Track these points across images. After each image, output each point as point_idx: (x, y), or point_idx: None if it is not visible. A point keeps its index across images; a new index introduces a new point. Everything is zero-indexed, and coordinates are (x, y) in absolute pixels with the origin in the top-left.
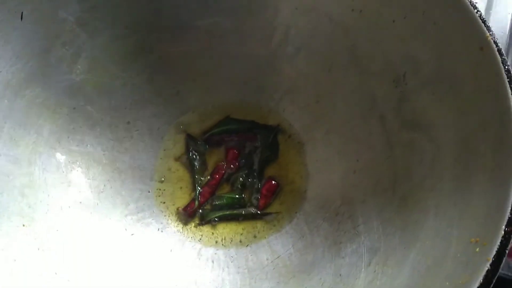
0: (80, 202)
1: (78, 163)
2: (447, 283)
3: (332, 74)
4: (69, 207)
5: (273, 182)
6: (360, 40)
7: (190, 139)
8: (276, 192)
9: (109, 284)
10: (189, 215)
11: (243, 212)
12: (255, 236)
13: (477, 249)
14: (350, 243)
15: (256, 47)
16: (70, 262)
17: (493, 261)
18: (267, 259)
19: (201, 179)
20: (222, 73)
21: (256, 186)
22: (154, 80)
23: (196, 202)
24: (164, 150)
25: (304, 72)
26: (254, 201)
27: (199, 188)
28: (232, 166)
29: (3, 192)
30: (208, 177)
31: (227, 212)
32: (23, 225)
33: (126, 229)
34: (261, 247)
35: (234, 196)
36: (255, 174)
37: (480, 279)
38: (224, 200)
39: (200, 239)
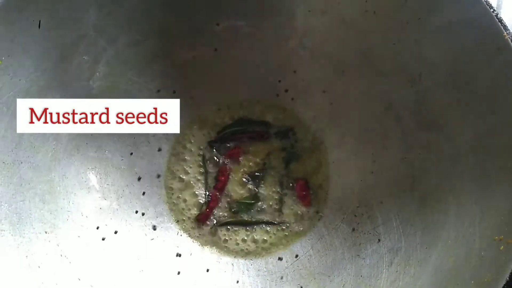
0: (100, 208)
1: (97, 169)
2: (472, 282)
3: (345, 76)
4: (90, 213)
5: (301, 180)
6: (373, 42)
7: (209, 146)
8: (309, 188)
9: (130, 285)
10: (206, 220)
11: (259, 221)
12: (274, 241)
13: (502, 247)
14: (370, 244)
15: (270, 50)
16: (92, 268)
17: None
18: (286, 261)
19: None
20: (236, 77)
21: (288, 186)
22: (169, 85)
23: (204, 207)
24: (180, 154)
25: (317, 74)
26: (274, 206)
27: (207, 193)
28: (236, 162)
29: (25, 199)
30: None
31: (245, 219)
32: (46, 232)
33: (146, 234)
34: (280, 250)
35: (250, 201)
36: (282, 175)
37: (506, 277)
38: (242, 206)
39: (219, 242)
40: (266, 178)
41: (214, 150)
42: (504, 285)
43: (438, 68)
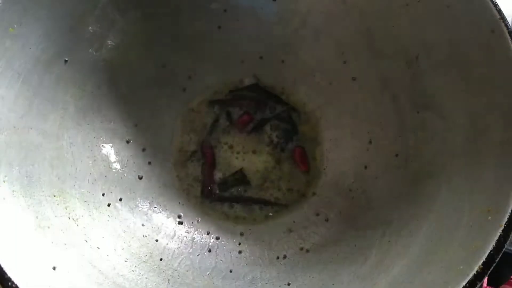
0: (106, 176)
1: (102, 138)
2: (461, 249)
3: (345, 57)
4: (95, 180)
5: (299, 148)
6: (374, 23)
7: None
8: (306, 154)
9: (134, 253)
10: (206, 196)
11: (252, 198)
12: (270, 213)
13: (489, 217)
14: (364, 217)
15: (273, 30)
16: (99, 231)
17: (505, 227)
18: (283, 232)
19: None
20: (238, 54)
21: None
22: (174, 60)
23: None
24: (182, 128)
25: (318, 54)
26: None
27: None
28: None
29: (34, 164)
30: None
31: (238, 195)
32: (54, 195)
33: (149, 203)
34: (278, 220)
35: (237, 176)
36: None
37: (493, 243)
38: (229, 182)
39: (219, 213)
40: (263, 152)
41: (225, 116)
42: (491, 250)
43: (435, 50)
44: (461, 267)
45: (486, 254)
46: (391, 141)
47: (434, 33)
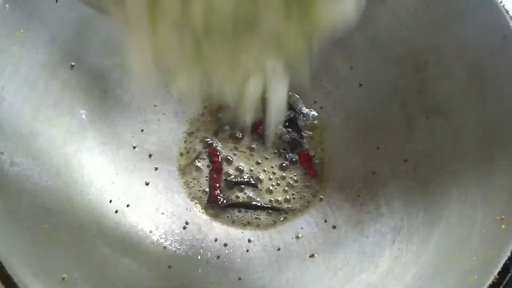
0: (113, 182)
1: (109, 145)
2: (474, 258)
3: (352, 61)
4: (102, 186)
5: (303, 152)
6: (381, 28)
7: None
8: (312, 159)
9: (142, 260)
10: (213, 201)
11: (259, 204)
12: (278, 219)
13: (503, 226)
14: (373, 223)
15: None
16: (108, 238)
17: None
18: (291, 238)
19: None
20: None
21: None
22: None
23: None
24: (189, 133)
25: (325, 58)
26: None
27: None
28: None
29: (41, 171)
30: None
31: (245, 201)
32: (61, 203)
33: (156, 209)
34: (286, 227)
35: (244, 176)
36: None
37: (508, 253)
38: (238, 179)
39: (226, 219)
40: (270, 158)
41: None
42: (507, 260)
43: (444, 55)
44: (476, 277)
45: (502, 264)
46: (399, 146)
47: (444, 39)
